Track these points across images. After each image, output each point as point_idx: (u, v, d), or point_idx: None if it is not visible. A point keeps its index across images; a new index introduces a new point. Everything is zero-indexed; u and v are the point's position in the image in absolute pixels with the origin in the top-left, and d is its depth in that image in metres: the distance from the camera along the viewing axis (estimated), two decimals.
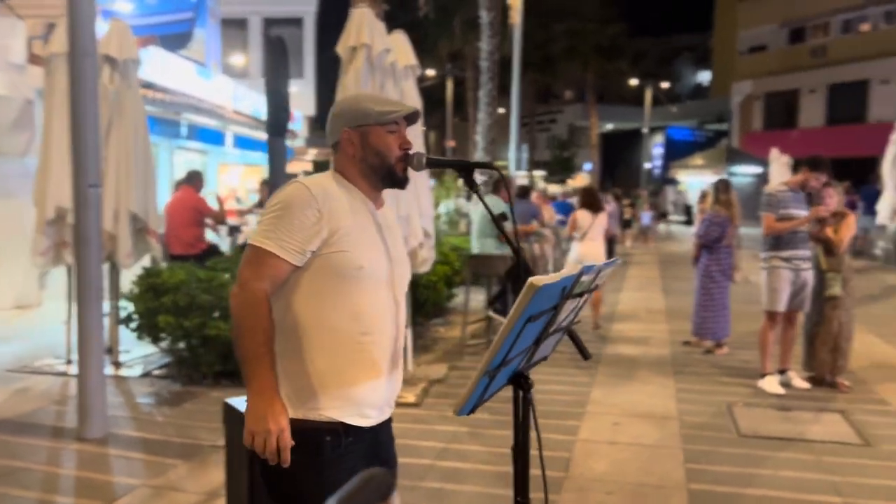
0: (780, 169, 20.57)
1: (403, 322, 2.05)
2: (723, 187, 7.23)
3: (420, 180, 5.76)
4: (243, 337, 1.83)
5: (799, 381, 5.72)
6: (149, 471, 4.01)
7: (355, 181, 1.98)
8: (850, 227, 5.56)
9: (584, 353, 1.90)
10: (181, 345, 5.93)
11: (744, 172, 31.71)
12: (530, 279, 1.40)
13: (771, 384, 5.61)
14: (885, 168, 13.61)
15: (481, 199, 1.93)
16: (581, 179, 36.93)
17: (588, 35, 34.25)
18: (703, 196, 9.62)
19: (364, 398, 1.95)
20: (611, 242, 16.36)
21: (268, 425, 1.79)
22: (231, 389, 5.57)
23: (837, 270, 5.55)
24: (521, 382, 1.68)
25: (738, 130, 36.47)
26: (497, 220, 1.92)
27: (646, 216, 18.89)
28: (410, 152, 1.97)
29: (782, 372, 5.79)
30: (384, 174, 1.97)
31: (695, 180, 32.00)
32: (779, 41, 35.83)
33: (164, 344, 6.23)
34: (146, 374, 6.03)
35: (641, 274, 13.52)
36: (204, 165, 13.50)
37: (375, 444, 2.03)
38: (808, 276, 5.62)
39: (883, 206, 13.71)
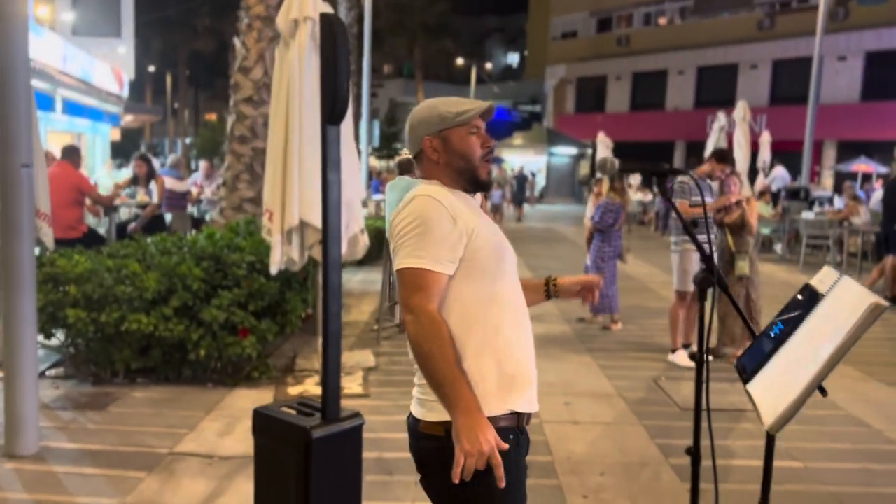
0: (604, 152, 22.13)
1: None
2: (618, 176, 7.64)
3: (354, 160, 5.56)
4: (434, 362, 1.78)
5: None
6: (114, 487, 3.58)
7: (448, 186, 1.96)
8: (755, 211, 6.13)
9: None
10: (80, 340, 5.33)
11: (561, 153, 33.72)
12: (876, 301, 1.44)
13: (682, 358, 6.10)
14: (708, 154, 15.06)
15: (671, 203, 1.94)
16: (406, 154, 37.19)
17: (415, 11, 34.41)
18: (597, 181, 10.07)
19: (531, 381, 1.95)
20: None
21: (482, 446, 1.71)
22: (152, 388, 5.11)
23: (745, 252, 6.10)
24: None
25: (552, 112, 38.54)
26: (688, 225, 1.94)
27: (496, 195, 19.61)
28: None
29: (686, 346, 6.31)
30: (469, 177, 1.97)
31: (516, 159, 33.48)
32: (588, 29, 38.15)
33: (54, 341, 5.56)
34: (40, 375, 5.33)
35: None
36: None
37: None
38: (714, 258, 6.14)
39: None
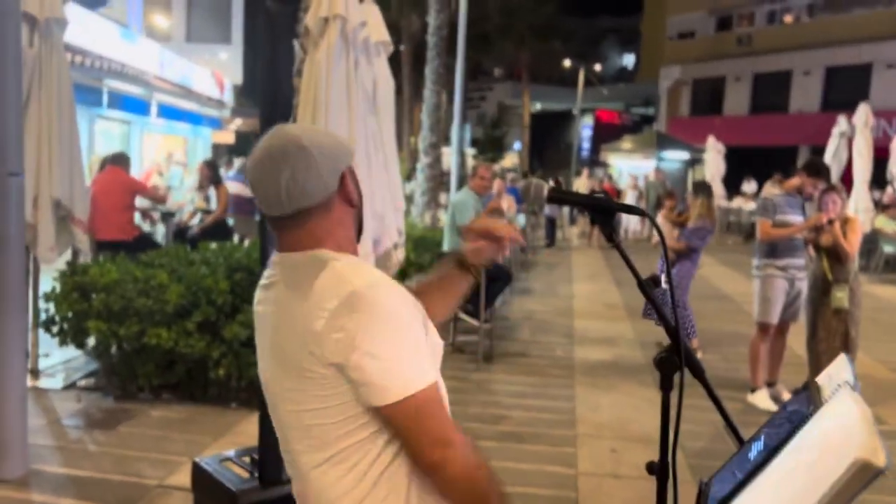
0: (715, 157, 20.84)
1: None
2: (707, 192, 6.80)
3: (392, 168, 5.15)
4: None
5: (787, 395, 5.45)
6: None
7: None
8: (857, 231, 5.23)
9: None
10: (112, 352, 5.19)
11: (672, 158, 32.17)
12: (862, 458, 0.88)
13: (762, 399, 5.32)
14: (827, 161, 13.74)
15: (622, 253, 1.40)
16: (510, 159, 36.60)
17: (523, 13, 33.81)
18: (669, 194, 9.24)
19: None
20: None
21: None
22: (174, 406, 4.89)
23: (845, 280, 5.22)
24: None
25: (665, 115, 36.95)
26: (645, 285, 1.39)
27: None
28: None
29: (770, 385, 5.51)
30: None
31: (624, 164, 32.19)
32: (706, 28, 36.43)
33: (89, 349, 5.46)
34: (70, 385, 5.24)
35: (586, 262, 13.29)
36: (126, 136, 12.40)
37: None
38: (803, 285, 5.33)
39: None
